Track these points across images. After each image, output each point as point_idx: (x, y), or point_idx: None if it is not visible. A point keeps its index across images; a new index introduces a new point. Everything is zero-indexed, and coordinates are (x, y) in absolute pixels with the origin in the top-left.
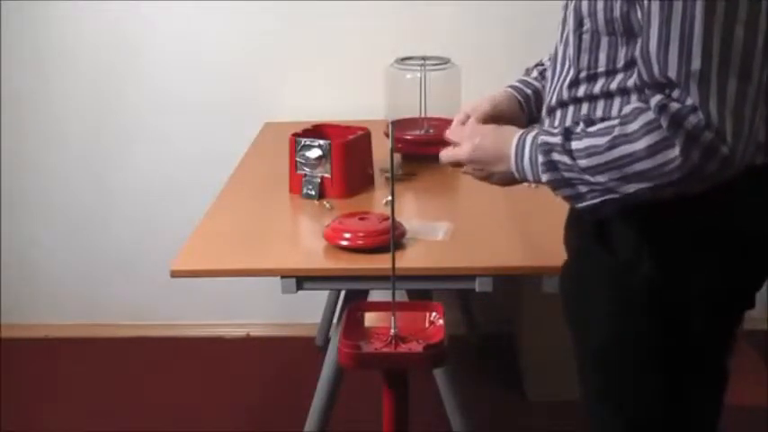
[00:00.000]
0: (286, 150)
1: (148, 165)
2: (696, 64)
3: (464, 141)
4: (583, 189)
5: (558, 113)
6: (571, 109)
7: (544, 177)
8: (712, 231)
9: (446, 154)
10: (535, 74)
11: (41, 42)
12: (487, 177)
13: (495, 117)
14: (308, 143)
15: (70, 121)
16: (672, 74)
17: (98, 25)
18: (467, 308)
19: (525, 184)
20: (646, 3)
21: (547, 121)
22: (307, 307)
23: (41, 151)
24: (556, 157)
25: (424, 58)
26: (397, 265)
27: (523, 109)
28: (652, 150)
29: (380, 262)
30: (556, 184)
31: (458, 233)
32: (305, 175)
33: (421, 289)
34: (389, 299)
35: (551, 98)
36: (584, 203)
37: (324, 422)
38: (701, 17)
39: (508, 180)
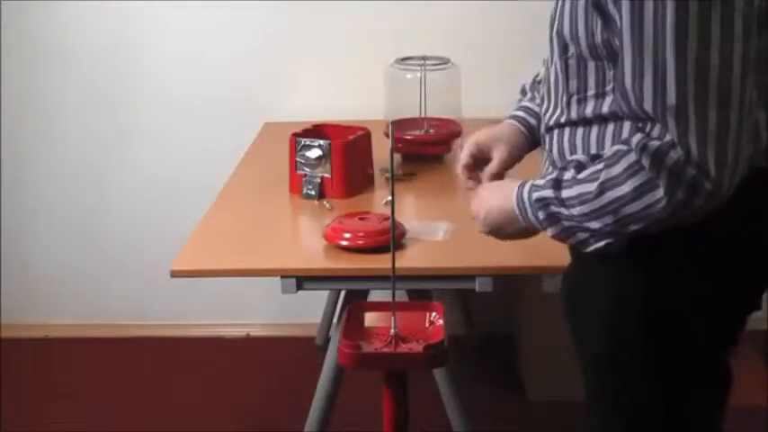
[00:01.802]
0: (286, 150)
1: (148, 165)
2: (671, 98)
3: (473, 212)
4: (584, 236)
5: (556, 133)
6: (567, 130)
7: (550, 232)
8: (706, 237)
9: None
10: (538, 100)
11: (41, 42)
12: (509, 237)
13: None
14: (308, 143)
15: (70, 121)
16: (648, 108)
17: (98, 25)
18: (467, 308)
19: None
20: (618, 32)
21: (547, 138)
22: (307, 307)
23: (41, 151)
24: (554, 209)
25: (424, 58)
26: (397, 265)
27: (527, 139)
28: (638, 193)
29: (380, 262)
30: (561, 236)
31: (458, 233)
32: (305, 175)
33: (421, 289)
34: (389, 299)
35: (548, 120)
36: (590, 248)
37: (324, 422)
38: (673, 47)
39: (529, 232)
